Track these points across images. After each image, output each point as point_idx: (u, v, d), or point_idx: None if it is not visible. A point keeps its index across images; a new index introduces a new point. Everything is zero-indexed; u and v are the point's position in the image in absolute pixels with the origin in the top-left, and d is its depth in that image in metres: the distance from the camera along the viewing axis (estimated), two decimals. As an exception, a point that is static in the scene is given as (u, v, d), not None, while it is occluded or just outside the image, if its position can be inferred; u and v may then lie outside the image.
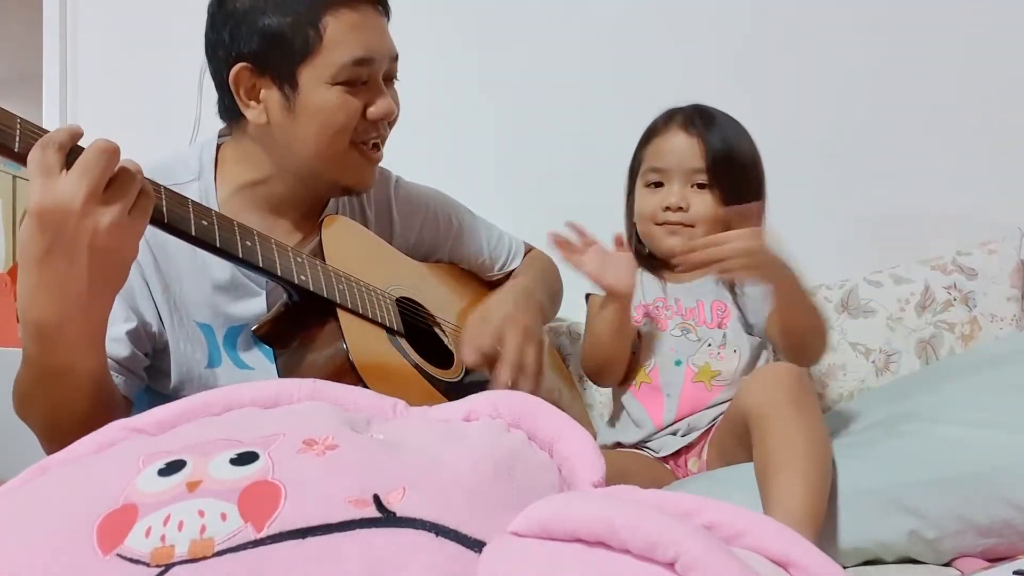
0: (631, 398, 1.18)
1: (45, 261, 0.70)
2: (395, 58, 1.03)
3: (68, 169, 0.69)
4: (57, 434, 0.83)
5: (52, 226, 0.69)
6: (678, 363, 1.15)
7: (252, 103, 0.99)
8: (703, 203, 1.14)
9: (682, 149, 1.15)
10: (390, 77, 1.04)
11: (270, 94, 0.98)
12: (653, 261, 1.23)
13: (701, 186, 1.14)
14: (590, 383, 1.45)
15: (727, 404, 1.08)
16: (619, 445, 1.19)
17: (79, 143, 0.71)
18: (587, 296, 1.24)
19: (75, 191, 0.68)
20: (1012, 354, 1.04)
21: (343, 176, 1.03)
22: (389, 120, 1.03)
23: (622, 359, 1.17)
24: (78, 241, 0.70)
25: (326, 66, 0.96)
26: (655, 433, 1.15)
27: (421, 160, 1.33)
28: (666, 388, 1.15)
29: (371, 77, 0.99)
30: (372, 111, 0.99)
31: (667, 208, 1.15)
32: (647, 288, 1.21)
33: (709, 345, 1.15)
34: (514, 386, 0.97)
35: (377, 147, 1.04)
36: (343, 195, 1.10)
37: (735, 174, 1.14)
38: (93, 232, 0.69)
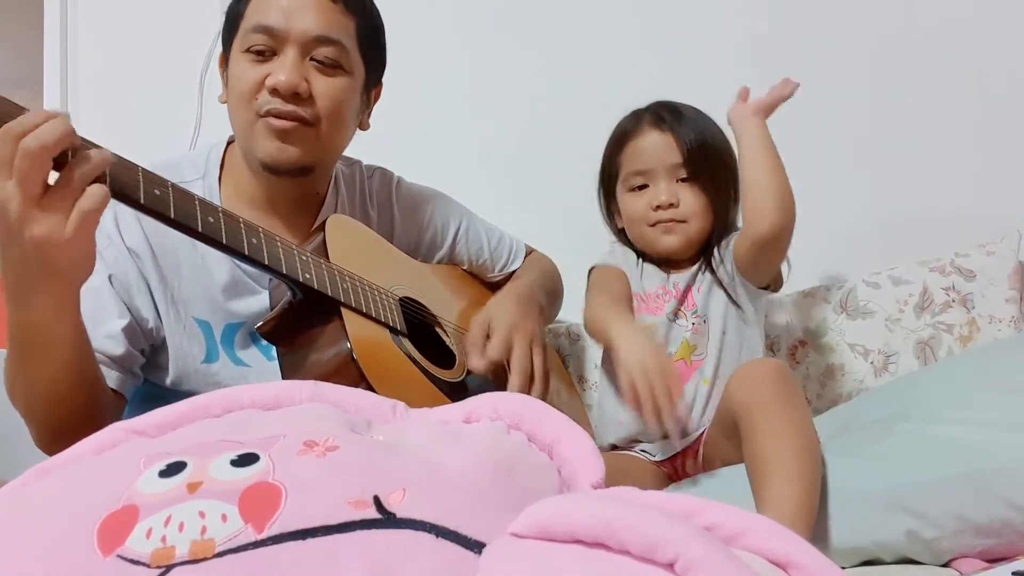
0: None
1: (3, 244, 0.72)
2: (320, 39, 0.97)
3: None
4: (40, 412, 0.84)
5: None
6: (669, 354, 1.15)
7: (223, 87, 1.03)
8: (691, 197, 1.16)
9: (659, 146, 1.16)
10: (315, 58, 0.98)
11: (223, 73, 1.03)
12: (651, 260, 1.23)
13: (684, 180, 1.16)
14: (589, 385, 1.45)
15: (718, 399, 1.07)
16: (613, 448, 1.19)
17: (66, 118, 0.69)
18: (591, 270, 1.25)
19: (10, 200, 0.67)
20: (1010, 355, 1.04)
21: (256, 148, 0.98)
22: (282, 91, 0.95)
23: None
24: (21, 242, 0.70)
25: (241, 35, 0.99)
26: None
27: (421, 161, 1.33)
28: None
29: (278, 48, 0.97)
30: (268, 80, 0.96)
31: (658, 207, 1.16)
32: (647, 278, 1.21)
33: (693, 324, 1.15)
34: (525, 393, 0.97)
35: (289, 121, 0.97)
36: (271, 174, 1.01)
37: (712, 162, 1.16)
38: (30, 239, 0.69)
